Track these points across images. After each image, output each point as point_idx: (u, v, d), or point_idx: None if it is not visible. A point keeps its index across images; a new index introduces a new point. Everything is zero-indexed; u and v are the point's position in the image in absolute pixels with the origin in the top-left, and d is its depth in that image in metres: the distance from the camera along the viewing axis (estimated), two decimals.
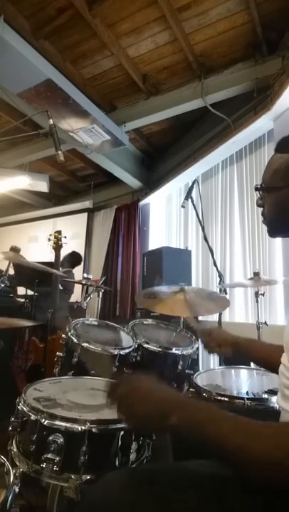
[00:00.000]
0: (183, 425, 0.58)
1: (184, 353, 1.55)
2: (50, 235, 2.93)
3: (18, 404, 0.94)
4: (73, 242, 5.04)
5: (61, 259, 3.41)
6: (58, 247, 2.91)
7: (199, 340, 1.14)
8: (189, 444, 0.59)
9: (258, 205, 0.85)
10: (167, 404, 0.61)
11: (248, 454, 0.52)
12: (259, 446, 0.52)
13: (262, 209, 0.84)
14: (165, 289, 1.83)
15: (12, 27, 2.47)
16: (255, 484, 0.54)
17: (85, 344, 1.41)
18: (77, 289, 4.06)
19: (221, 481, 0.61)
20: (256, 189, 0.83)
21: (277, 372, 0.85)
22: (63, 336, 1.50)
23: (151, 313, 2.63)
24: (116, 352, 1.44)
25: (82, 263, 5.29)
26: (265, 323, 2.16)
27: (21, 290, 3.80)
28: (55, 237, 2.91)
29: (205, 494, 0.60)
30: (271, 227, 0.84)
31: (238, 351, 1.04)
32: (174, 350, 1.55)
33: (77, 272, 4.84)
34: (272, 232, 0.85)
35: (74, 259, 3.70)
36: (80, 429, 0.83)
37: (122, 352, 1.46)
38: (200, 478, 0.63)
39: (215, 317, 2.61)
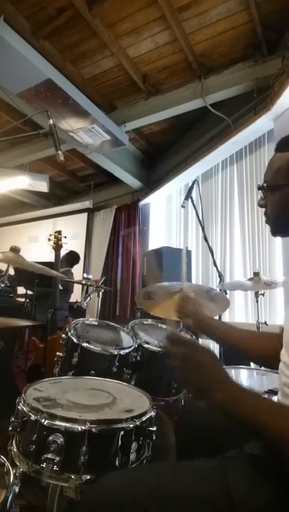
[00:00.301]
0: (224, 404, 0.63)
1: None
2: (50, 235, 2.93)
3: (18, 404, 0.93)
4: (73, 242, 5.04)
5: (61, 261, 3.41)
6: (58, 247, 2.91)
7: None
8: (193, 443, 0.60)
9: (260, 206, 0.84)
10: (215, 381, 0.65)
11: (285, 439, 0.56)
12: None
13: (264, 209, 0.84)
14: (164, 288, 1.82)
15: (12, 27, 2.47)
16: None
17: (85, 344, 1.41)
18: (77, 289, 4.06)
19: (224, 480, 0.61)
20: (259, 188, 0.83)
21: (232, 351, 0.97)
22: (63, 336, 1.50)
23: (152, 313, 2.62)
24: (116, 352, 1.44)
25: (82, 263, 5.31)
26: (265, 323, 2.16)
27: (21, 290, 3.81)
28: (55, 237, 2.91)
29: (207, 494, 0.60)
30: (274, 227, 0.83)
31: (200, 327, 1.07)
32: None
33: (77, 272, 4.84)
34: (276, 232, 0.84)
35: (72, 258, 3.69)
36: (80, 429, 0.83)
37: (122, 352, 1.46)
38: (202, 478, 0.63)
39: (215, 317, 2.61)
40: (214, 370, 0.68)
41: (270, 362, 0.88)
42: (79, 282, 2.79)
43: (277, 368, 0.80)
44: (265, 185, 0.82)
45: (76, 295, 3.97)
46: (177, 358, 0.69)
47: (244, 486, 0.60)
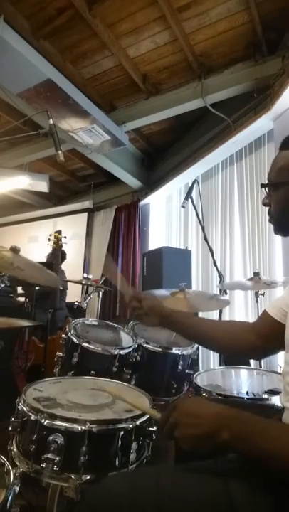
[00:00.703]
0: (235, 440, 0.56)
1: (184, 353, 1.55)
2: (50, 235, 2.93)
3: (18, 404, 0.94)
4: (73, 242, 5.04)
5: (47, 258, 3.41)
6: (58, 247, 2.91)
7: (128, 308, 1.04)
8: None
9: (265, 204, 0.83)
10: (216, 421, 0.59)
11: None
12: None
13: (268, 208, 0.83)
14: (163, 292, 1.83)
15: (12, 27, 2.47)
16: None
17: (85, 344, 1.41)
18: (77, 288, 4.05)
19: (225, 485, 0.61)
20: (262, 186, 0.82)
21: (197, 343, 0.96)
22: (63, 336, 1.50)
23: None
24: (116, 352, 1.44)
25: (82, 263, 5.31)
26: None
27: (21, 290, 3.80)
28: (55, 237, 2.91)
29: (208, 499, 0.60)
30: (279, 225, 0.83)
31: (166, 323, 1.00)
32: (174, 350, 1.55)
33: (78, 272, 4.85)
34: (279, 230, 0.83)
35: (60, 256, 3.68)
36: (80, 429, 0.83)
37: (122, 352, 1.46)
38: (202, 483, 0.62)
39: (215, 317, 2.61)
40: (209, 413, 0.61)
41: (245, 356, 0.87)
42: (79, 282, 2.79)
43: (255, 359, 0.80)
44: (268, 183, 0.81)
45: (76, 295, 3.96)
46: (172, 428, 0.63)
47: (245, 490, 0.59)
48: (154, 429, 0.95)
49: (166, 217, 4.73)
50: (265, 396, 1.15)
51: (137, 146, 4.63)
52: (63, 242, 2.94)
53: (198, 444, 0.59)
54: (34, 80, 2.70)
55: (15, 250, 1.74)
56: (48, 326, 2.41)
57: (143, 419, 0.93)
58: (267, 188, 0.82)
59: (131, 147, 4.48)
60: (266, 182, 0.82)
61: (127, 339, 1.62)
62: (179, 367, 1.53)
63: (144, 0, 2.57)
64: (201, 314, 3.40)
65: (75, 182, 5.68)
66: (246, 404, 1.06)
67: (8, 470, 0.68)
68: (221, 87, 3.19)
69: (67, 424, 0.84)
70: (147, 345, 1.54)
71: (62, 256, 3.69)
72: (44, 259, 3.47)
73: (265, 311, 0.89)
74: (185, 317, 1.02)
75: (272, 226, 0.84)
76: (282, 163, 0.78)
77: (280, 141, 0.80)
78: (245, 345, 0.90)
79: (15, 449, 0.90)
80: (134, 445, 0.89)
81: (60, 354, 1.48)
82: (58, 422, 0.84)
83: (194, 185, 2.26)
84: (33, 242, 6.02)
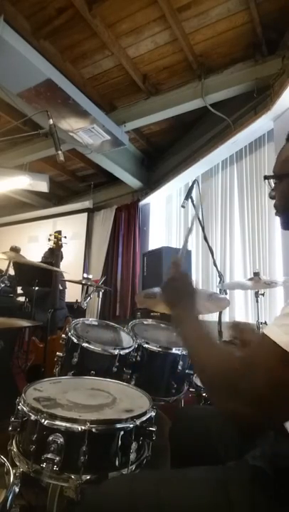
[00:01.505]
0: (176, 318, 0.81)
1: (184, 352, 1.55)
2: (50, 235, 2.93)
3: (18, 404, 0.94)
4: (73, 242, 5.05)
5: (43, 258, 3.41)
6: (58, 247, 2.91)
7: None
8: (187, 452, 0.59)
9: (271, 197, 0.82)
10: (181, 303, 0.83)
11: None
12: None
13: (274, 201, 0.82)
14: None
15: (12, 27, 2.47)
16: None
17: (85, 344, 1.41)
18: (77, 288, 4.06)
19: (222, 488, 0.61)
20: (265, 178, 0.81)
21: None
22: (63, 336, 1.50)
23: (152, 313, 2.63)
24: (116, 352, 1.44)
25: (82, 263, 5.31)
26: (265, 322, 2.16)
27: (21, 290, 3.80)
28: (55, 237, 2.91)
29: (206, 502, 0.60)
30: (285, 218, 0.81)
31: None
32: (174, 350, 1.55)
33: (78, 272, 4.85)
34: (285, 223, 0.81)
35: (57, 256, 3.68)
36: (80, 429, 0.83)
37: (122, 352, 1.46)
38: (203, 491, 0.62)
39: (215, 317, 2.61)
40: (185, 297, 0.84)
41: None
42: (79, 282, 2.79)
43: None
44: (272, 174, 0.80)
45: (76, 295, 3.97)
46: (170, 275, 0.89)
47: (246, 500, 0.59)
48: (154, 429, 0.95)
49: (166, 217, 4.74)
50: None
51: (137, 146, 4.63)
52: (63, 242, 2.94)
53: (166, 300, 0.88)
54: (34, 80, 2.70)
55: (15, 250, 1.75)
56: (48, 326, 2.40)
57: (143, 419, 0.93)
58: (272, 181, 0.81)
59: (131, 147, 4.48)
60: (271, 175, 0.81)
61: (127, 339, 1.62)
62: (179, 367, 1.53)
63: (144, 0, 2.57)
64: (201, 316, 3.42)
65: (75, 182, 5.68)
66: None
67: (8, 470, 0.68)
68: (221, 87, 3.19)
69: (68, 424, 0.84)
70: (147, 345, 1.54)
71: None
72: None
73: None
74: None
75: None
76: (286, 154, 0.77)
77: (280, 141, 0.80)
78: None
79: (15, 449, 0.90)
80: (134, 445, 0.89)
81: (60, 354, 1.47)
82: (58, 422, 0.84)
83: (194, 185, 2.26)
84: (33, 242, 6.02)
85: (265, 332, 0.54)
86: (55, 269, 2.69)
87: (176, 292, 0.86)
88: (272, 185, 0.81)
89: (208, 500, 0.60)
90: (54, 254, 2.97)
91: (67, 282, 3.42)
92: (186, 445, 0.91)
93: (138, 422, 0.90)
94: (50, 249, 3.16)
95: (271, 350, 0.51)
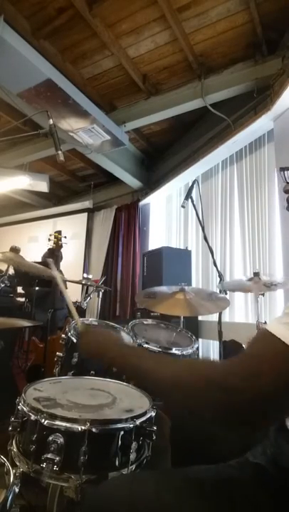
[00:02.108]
0: (116, 359, 0.79)
1: (184, 353, 1.55)
2: (50, 235, 2.93)
3: (18, 404, 0.93)
4: (73, 242, 5.05)
5: (42, 258, 3.41)
6: (58, 247, 2.91)
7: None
8: (189, 451, 0.59)
9: (286, 192, 0.84)
10: (107, 345, 0.84)
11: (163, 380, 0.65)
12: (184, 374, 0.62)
13: (287, 196, 0.83)
14: (165, 289, 1.83)
15: (12, 27, 2.47)
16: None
17: None
18: (77, 288, 4.05)
19: (223, 487, 0.60)
20: (281, 170, 0.82)
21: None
22: (63, 336, 1.50)
23: (151, 313, 2.63)
24: None
25: (82, 263, 5.31)
26: (265, 323, 2.15)
27: (22, 290, 3.80)
28: (55, 237, 2.91)
29: (207, 501, 0.60)
30: None
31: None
32: (174, 350, 1.55)
33: (77, 272, 4.85)
34: None
35: (57, 256, 3.68)
36: (80, 429, 0.83)
37: None
38: (202, 486, 0.62)
39: (215, 317, 2.61)
40: (107, 338, 0.87)
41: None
42: (79, 282, 2.79)
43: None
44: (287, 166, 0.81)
45: (76, 295, 3.97)
46: (83, 335, 0.94)
47: (248, 499, 0.58)
48: (154, 429, 0.95)
49: (166, 217, 4.73)
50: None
51: (137, 146, 4.63)
52: (63, 242, 2.94)
53: (92, 353, 0.89)
54: (34, 80, 2.70)
55: (15, 250, 1.74)
56: (48, 326, 2.41)
57: (143, 419, 0.93)
58: (287, 175, 0.81)
59: (131, 147, 4.48)
60: (278, 176, 0.81)
61: (127, 339, 1.62)
62: None
63: (144, 0, 2.58)
64: (201, 317, 3.41)
65: (75, 182, 5.68)
66: None
67: (8, 470, 0.68)
68: (221, 87, 3.19)
69: (68, 424, 0.84)
70: (147, 345, 1.53)
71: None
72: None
73: None
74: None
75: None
76: None
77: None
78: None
79: (15, 449, 0.90)
80: (134, 445, 0.89)
81: (60, 354, 1.47)
82: (58, 422, 0.84)
83: (194, 185, 2.26)
84: (33, 242, 6.02)
85: (268, 329, 0.54)
86: (52, 272, 2.68)
87: (97, 341, 0.88)
88: (287, 178, 0.81)
89: (209, 499, 0.60)
90: (54, 255, 2.97)
91: (67, 282, 3.42)
92: (186, 444, 0.91)
93: (138, 422, 0.90)
94: (49, 249, 3.17)
95: (276, 347, 0.51)
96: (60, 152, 1.20)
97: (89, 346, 0.89)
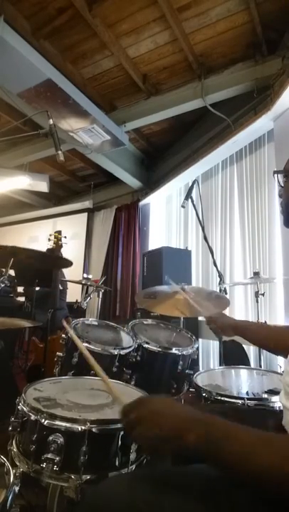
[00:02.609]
0: (202, 443, 0.53)
1: (184, 353, 1.55)
2: (50, 235, 2.93)
3: (18, 404, 0.93)
4: (73, 242, 5.04)
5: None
6: (58, 247, 2.91)
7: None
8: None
9: (279, 196, 0.83)
10: (181, 423, 0.56)
11: (279, 469, 0.47)
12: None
13: (281, 200, 0.83)
14: (165, 289, 1.83)
15: (12, 27, 2.47)
16: None
17: (85, 344, 1.41)
18: (77, 289, 4.06)
19: (223, 486, 0.60)
20: (274, 173, 0.81)
21: (265, 349, 1.00)
22: (63, 335, 1.50)
23: (151, 313, 2.63)
24: (116, 352, 1.44)
25: (82, 263, 5.31)
26: (265, 322, 2.16)
27: (21, 290, 3.80)
28: (55, 237, 2.91)
29: (207, 500, 0.60)
30: (287, 216, 0.81)
31: (238, 334, 1.16)
32: (174, 350, 1.55)
33: (77, 272, 4.85)
34: (287, 222, 0.82)
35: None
36: (80, 429, 0.83)
37: (122, 352, 1.46)
38: (202, 485, 0.62)
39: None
40: (175, 412, 0.59)
41: None
42: (79, 282, 2.79)
43: None
44: (280, 170, 0.80)
45: (76, 295, 3.97)
46: (133, 424, 0.59)
47: (248, 498, 0.58)
48: None
49: (166, 217, 4.73)
50: (265, 396, 1.15)
51: (137, 146, 4.63)
52: (63, 242, 2.94)
53: (158, 445, 0.57)
54: (34, 80, 2.70)
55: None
56: (48, 326, 2.41)
57: None
58: (281, 179, 0.81)
59: (131, 147, 4.48)
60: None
61: (127, 339, 1.62)
62: (179, 367, 1.53)
63: (144, 0, 2.58)
64: (201, 318, 3.41)
65: (75, 182, 5.68)
66: (244, 409, 1.06)
67: (8, 470, 0.68)
68: (221, 87, 3.19)
69: (68, 424, 0.84)
70: (147, 346, 1.53)
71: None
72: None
73: None
74: (249, 325, 1.20)
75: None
76: None
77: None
78: None
79: (15, 449, 0.90)
80: (134, 445, 0.89)
81: (60, 354, 1.47)
82: (58, 422, 0.84)
83: (194, 185, 2.26)
84: (33, 242, 6.02)
85: None
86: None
87: (162, 422, 0.57)
88: (282, 182, 0.81)
89: (208, 498, 0.60)
90: (56, 254, 2.97)
91: (67, 283, 3.42)
92: None
93: None
94: (48, 249, 3.18)
95: None
96: (60, 152, 1.20)
97: (153, 434, 0.57)
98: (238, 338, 2.66)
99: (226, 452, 0.51)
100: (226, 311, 3.26)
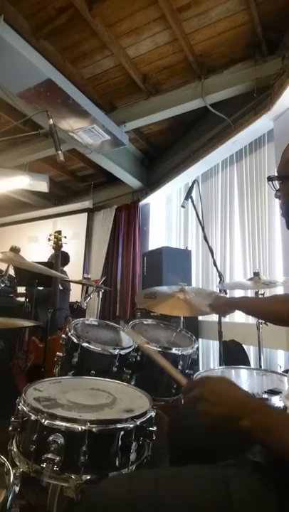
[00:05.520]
0: (256, 430, 0.58)
1: (184, 353, 1.55)
2: (50, 235, 2.93)
3: (18, 404, 0.94)
4: (73, 242, 5.05)
5: (49, 259, 3.41)
6: (58, 247, 2.92)
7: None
8: (188, 450, 0.58)
9: (277, 198, 0.83)
10: (241, 407, 0.61)
11: None
12: None
13: (280, 202, 0.82)
14: (165, 289, 1.83)
15: (12, 27, 2.47)
16: None
17: (85, 344, 1.41)
18: (77, 289, 4.06)
19: (223, 484, 0.60)
20: (269, 179, 0.81)
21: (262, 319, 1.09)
22: (63, 336, 1.50)
23: (151, 313, 2.63)
24: (116, 352, 1.44)
25: (82, 263, 5.31)
26: (265, 323, 2.15)
27: (21, 290, 3.80)
28: (55, 237, 2.91)
29: (206, 499, 0.60)
30: (288, 219, 0.81)
31: (234, 307, 1.26)
32: (174, 350, 1.55)
33: (77, 272, 4.85)
34: None
35: (63, 258, 3.69)
36: (80, 429, 0.83)
37: (122, 352, 1.46)
38: (203, 488, 0.62)
39: (215, 317, 2.61)
40: (236, 395, 0.65)
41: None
42: (79, 282, 2.79)
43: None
44: (275, 175, 0.80)
45: (76, 295, 3.97)
46: (196, 402, 0.65)
47: (247, 496, 0.58)
48: (154, 429, 0.95)
49: (166, 217, 4.73)
50: (266, 396, 1.15)
51: (137, 146, 4.63)
52: (63, 242, 2.94)
53: (219, 423, 0.63)
54: (34, 80, 2.70)
55: (15, 250, 1.74)
56: (47, 326, 2.41)
57: (143, 419, 0.93)
58: (276, 182, 0.80)
59: (131, 147, 4.49)
60: (274, 177, 0.80)
61: (127, 339, 1.62)
62: (179, 367, 1.53)
63: (144, 0, 2.57)
64: (201, 317, 3.41)
65: (75, 182, 5.68)
66: None
67: (8, 470, 0.68)
68: (221, 87, 3.19)
69: (68, 424, 0.84)
70: (147, 345, 1.53)
71: (66, 259, 3.69)
72: (44, 259, 3.47)
73: None
74: (246, 301, 1.28)
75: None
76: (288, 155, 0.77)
77: (280, 141, 0.80)
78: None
79: (15, 449, 0.90)
80: (134, 445, 0.89)
81: (60, 354, 1.48)
82: (58, 422, 0.84)
83: (194, 185, 2.26)
84: (33, 242, 6.02)
85: None
86: (55, 273, 2.68)
87: (223, 403, 0.63)
88: (277, 186, 0.80)
89: (208, 497, 0.60)
90: (62, 256, 2.98)
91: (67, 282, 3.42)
92: (185, 443, 0.91)
93: (138, 422, 0.90)
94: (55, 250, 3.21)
95: None
96: (60, 152, 1.20)
97: (214, 412, 0.63)
98: (238, 339, 2.66)
99: (278, 440, 0.56)
100: None
